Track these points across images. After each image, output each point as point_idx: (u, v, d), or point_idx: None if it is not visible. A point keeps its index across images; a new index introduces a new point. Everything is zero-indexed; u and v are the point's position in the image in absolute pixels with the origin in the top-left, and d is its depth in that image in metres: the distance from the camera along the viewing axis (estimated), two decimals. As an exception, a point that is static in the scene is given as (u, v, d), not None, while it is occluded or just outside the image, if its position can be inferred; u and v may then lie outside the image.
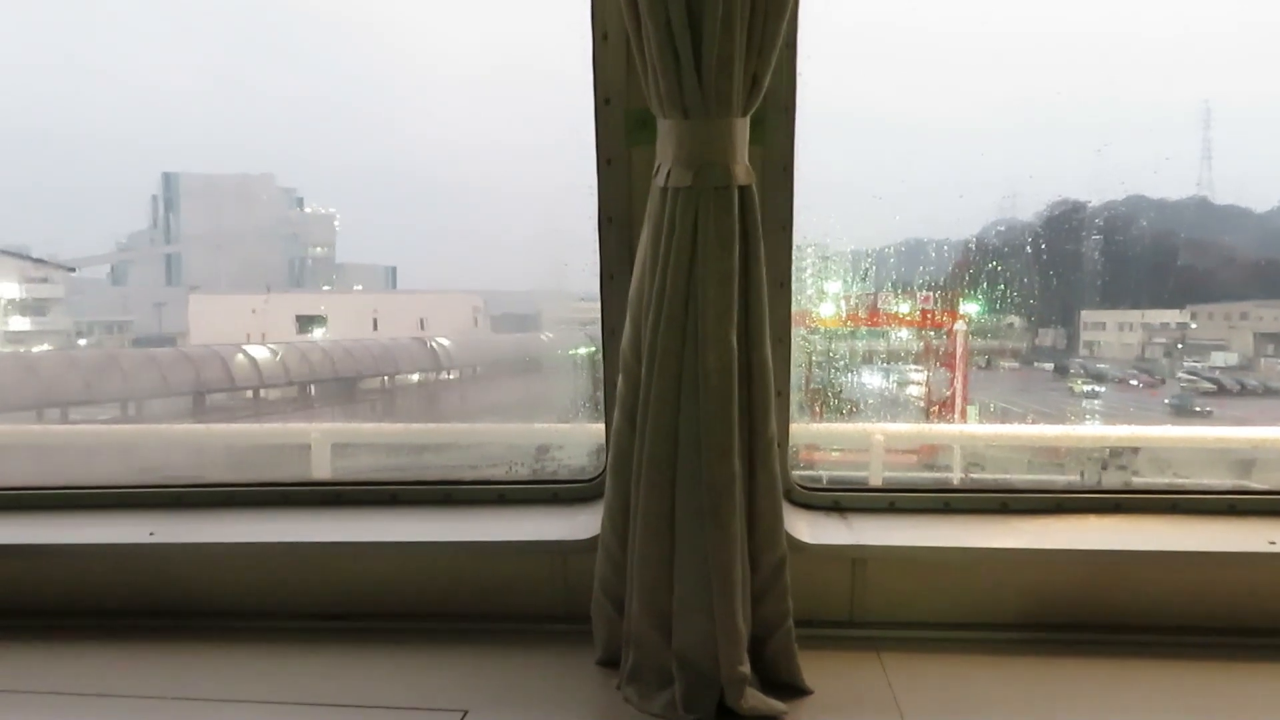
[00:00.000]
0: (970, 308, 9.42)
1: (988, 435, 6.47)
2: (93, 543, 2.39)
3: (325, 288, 21.73)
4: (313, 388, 14.20)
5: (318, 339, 15.84)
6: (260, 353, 13.79)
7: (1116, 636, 2.15)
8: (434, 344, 15.55)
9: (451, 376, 15.67)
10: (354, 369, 14.66)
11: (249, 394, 13.35)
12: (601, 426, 2.16)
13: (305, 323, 16.34)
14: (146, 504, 2.54)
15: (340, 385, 14.48)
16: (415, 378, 15.29)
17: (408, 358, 15.36)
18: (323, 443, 4.72)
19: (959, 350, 9.41)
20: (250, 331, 15.29)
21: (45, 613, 2.37)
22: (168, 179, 21.68)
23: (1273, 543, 2.13)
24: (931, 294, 9.11)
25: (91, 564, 2.41)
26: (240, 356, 13.44)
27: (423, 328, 16.50)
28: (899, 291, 8.94)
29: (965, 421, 9.40)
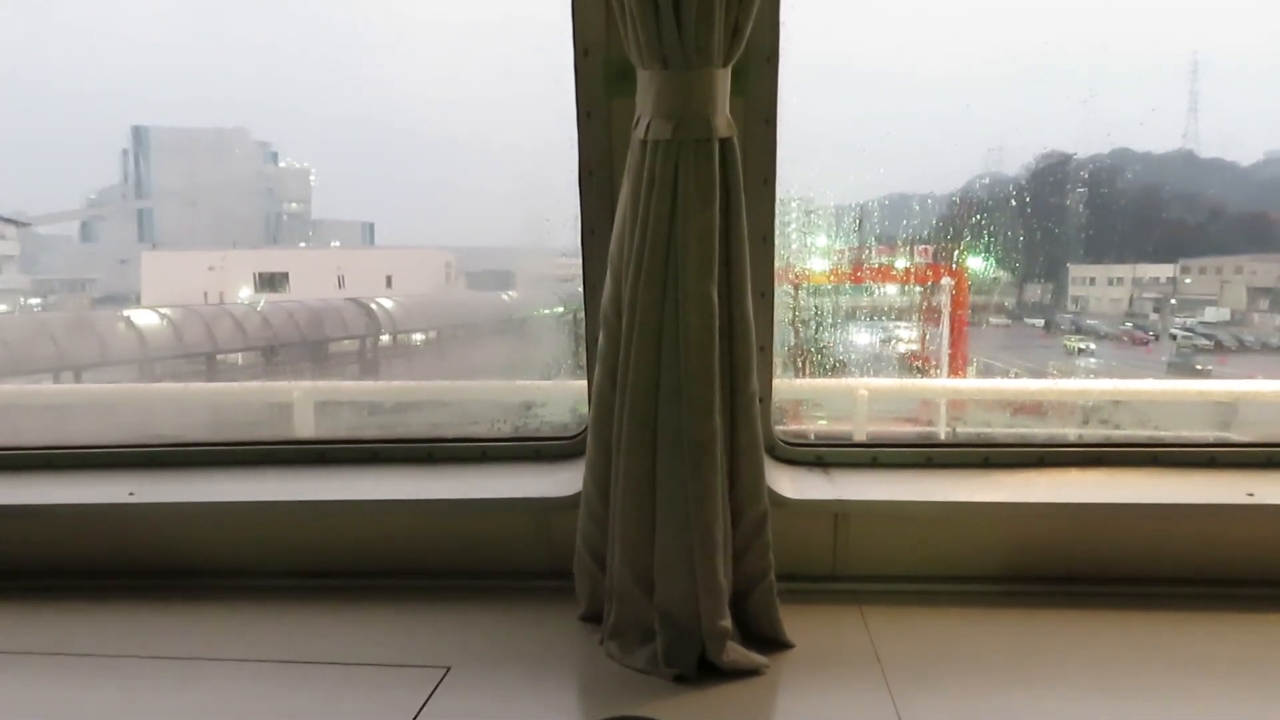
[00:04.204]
0: (962, 262, 9.32)
1: (975, 390, 6.48)
2: (71, 503, 2.37)
3: (301, 244, 21.31)
4: (240, 357, 12.11)
5: (240, 301, 13.97)
6: (147, 319, 11.66)
7: (1097, 589, 2.17)
8: (374, 305, 13.67)
9: (417, 340, 13.87)
10: (269, 337, 12.48)
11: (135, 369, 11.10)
12: (583, 383, 2.14)
13: (266, 281, 15.02)
14: (126, 464, 2.52)
15: (257, 356, 12.45)
16: (351, 344, 13.23)
17: (339, 323, 13.28)
18: (305, 401, 4.69)
19: (952, 306, 9.31)
20: (208, 290, 14.15)
21: (23, 574, 2.36)
22: (138, 132, 21.22)
23: (1251, 495, 2.15)
24: (926, 248, 9.01)
25: (70, 524, 2.39)
26: (121, 325, 11.34)
27: (389, 286, 15.35)
28: (892, 246, 8.84)
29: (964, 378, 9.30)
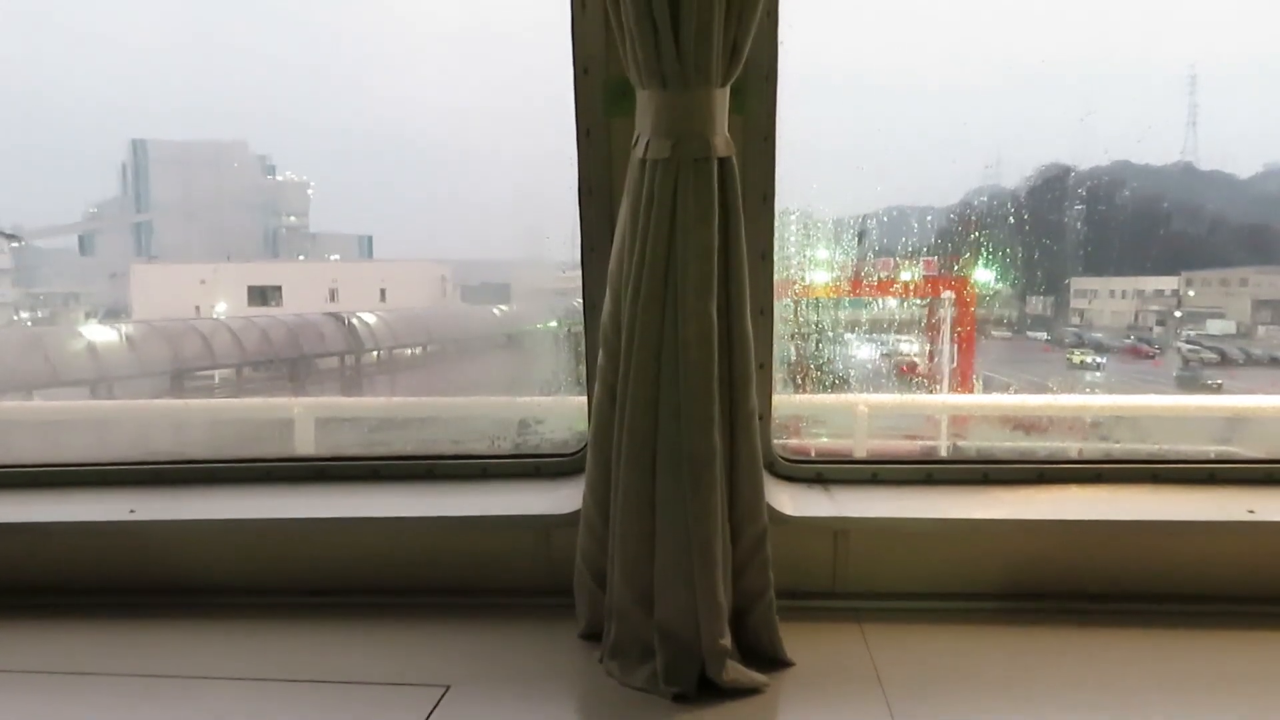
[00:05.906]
0: (968, 275, 9.29)
1: (975, 405, 6.46)
2: (72, 521, 2.37)
3: (300, 257, 21.18)
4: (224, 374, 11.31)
5: (218, 315, 13.34)
6: (104, 335, 10.88)
7: (1097, 606, 2.16)
8: (355, 320, 12.89)
9: (410, 354, 13.21)
10: (238, 355, 11.65)
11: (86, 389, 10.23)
12: (583, 400, 2.14)
13: (259, 294, 14.51)
14: (126, 481, 2.52)
15: (234, 374, 11.68)
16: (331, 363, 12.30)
17: (317, 339, 12.38)
18: (306, 418, 4.69)
19: (953, 320, 9.25)
20: (199, 304, 13.76)
21: (23, 591, 2.35)
22: (136, 146, 21.20)
23: (1252, 511, 2.14)
24: (930, 261, 9.00)
25: (71, 542, 2.39)
26: (76, 344, 10.50)
27: (383, 299, 14.94)
28: (893, 260, 8.83)
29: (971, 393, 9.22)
